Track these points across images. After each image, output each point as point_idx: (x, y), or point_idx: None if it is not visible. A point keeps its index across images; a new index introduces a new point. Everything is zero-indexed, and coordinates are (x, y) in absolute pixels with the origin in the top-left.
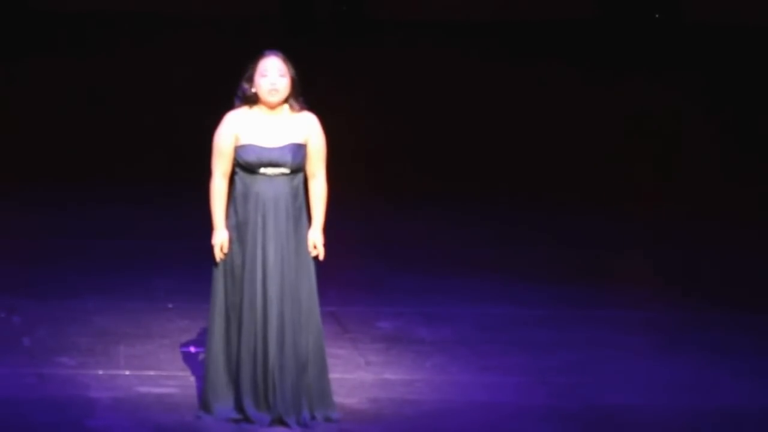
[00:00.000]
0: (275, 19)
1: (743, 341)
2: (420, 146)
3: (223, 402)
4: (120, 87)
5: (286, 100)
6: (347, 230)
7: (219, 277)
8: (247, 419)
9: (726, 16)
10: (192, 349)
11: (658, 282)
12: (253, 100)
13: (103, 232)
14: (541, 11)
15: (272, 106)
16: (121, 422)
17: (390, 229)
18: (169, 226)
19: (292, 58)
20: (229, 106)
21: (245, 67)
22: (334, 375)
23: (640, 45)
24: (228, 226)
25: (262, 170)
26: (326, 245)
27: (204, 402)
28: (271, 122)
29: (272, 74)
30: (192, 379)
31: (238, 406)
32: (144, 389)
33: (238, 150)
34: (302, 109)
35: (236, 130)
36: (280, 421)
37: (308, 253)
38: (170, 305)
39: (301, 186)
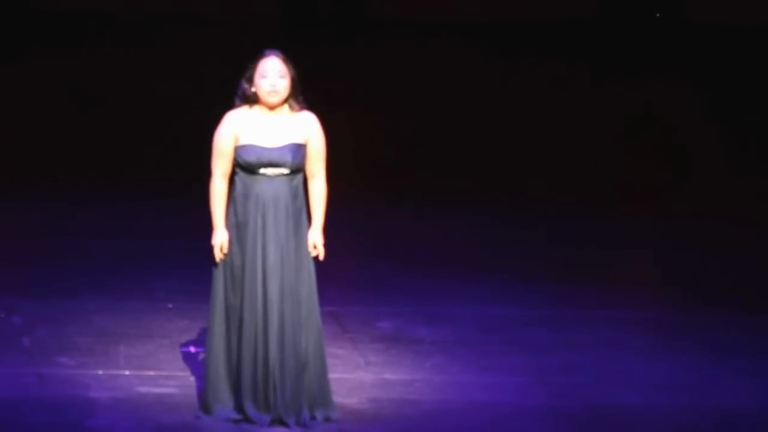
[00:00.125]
0: (276, 18)
1: (743, 341)
2: (420, 146)
3: (223, 402)
4: (120, 86)
5: (285, 101)
6: (347, 230)
7: (219, 278)
8: (246, 419)
9: (727, 15)
10: (192, 349)
11: (658, 282)
12: (253, 99)
13: (103, 232)
14: (542, 11)
15: (272, 106)
16: (121, 422)
17: (390, 229)
18: (169, 226)
19: (292, 57)
20: (229, 106)
21: (245, 67)
22: (334, 375)
23: (642, 44)
24: (228, 226)
25: (262, 170)
26: (326, 245)
27: (204, 402)
28: (270, 122)
29: (272, 75)
30: (192, 379)
31: (238, 406)
32: (144, 389)
33: (238, 150)
34: (302, 108)
35: (236, 130)
36: (280, 422)
37: (308, 253)
38: (170, 305)
39: (301, 186)
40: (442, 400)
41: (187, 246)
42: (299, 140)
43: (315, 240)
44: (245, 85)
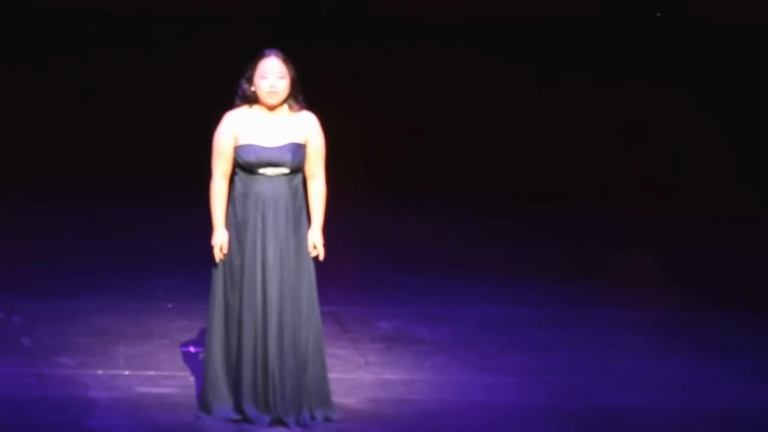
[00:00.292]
0: (276, 18)
1: (743, 341)
2: (420, 145)
3: (223, 402)
4: (120, 86)
5: (285, 101)
6: (347, 230)
7: (218, 277)
8: (246, 419)
9: (727, 15)
10: (192, 349)
11: (658, 282)
12: (252, 99)
13: (103, 232)
14: (542, 10)
15: (272, 106)
16: (120, 422)
17: (390, 229)
18: (169, 226)
19: (292, 56)
20: (230, 105)
21: (245, 66)
22: (334, 375)
23: (642, 44)
24: (228, 226)
25: (262, 170)
26: (326, 245)
27: (203, 402)
28: (270, 122)
29: (271, 76)
30: (192, 379)
31: (238, 406)
32: (144, 389)
33: (238, 150)
34: (302, 108)
35: (236, 130)
36: (280, 422)
37: (308, 253)
38: (170, 305)
39: (301, 186)
40: (442, 400)
41: (187, 246)
42: (299, 140)
43: (315, 240)
44: (245, 85)
